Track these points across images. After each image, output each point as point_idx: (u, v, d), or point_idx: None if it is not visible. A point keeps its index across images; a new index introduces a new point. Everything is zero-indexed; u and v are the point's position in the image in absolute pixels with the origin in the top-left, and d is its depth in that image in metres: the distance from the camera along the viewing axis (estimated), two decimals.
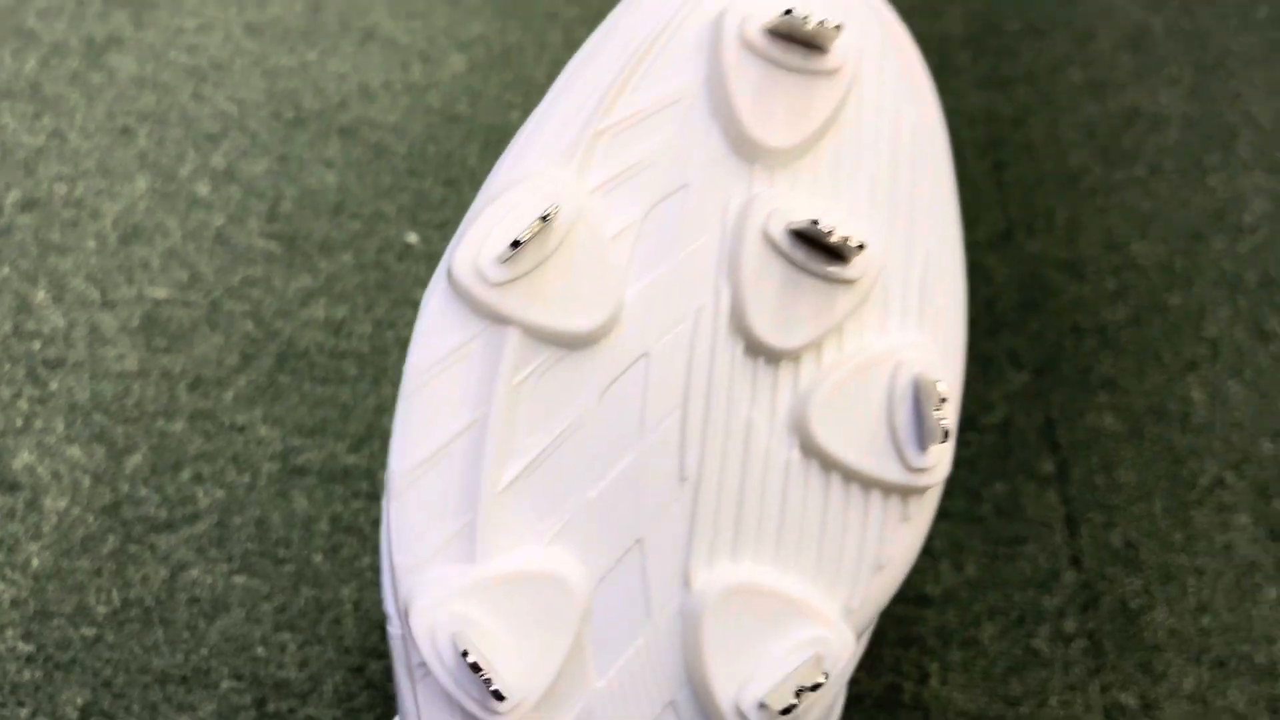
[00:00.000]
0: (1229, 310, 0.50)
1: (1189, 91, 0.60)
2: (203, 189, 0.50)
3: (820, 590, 0.20)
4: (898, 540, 0.21)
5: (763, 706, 0.20)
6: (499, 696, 0.19)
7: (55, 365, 0.44)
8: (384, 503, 0.21)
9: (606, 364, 0.20)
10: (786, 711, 0.19)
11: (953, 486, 0.44)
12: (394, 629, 0.21)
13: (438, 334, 0.21)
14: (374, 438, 0.43)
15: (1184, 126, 0.58)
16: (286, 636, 0.38)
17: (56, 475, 0.41)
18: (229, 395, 0.44)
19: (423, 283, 0.49)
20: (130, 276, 0.47)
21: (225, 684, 0.37)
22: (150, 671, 0.37)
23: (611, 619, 0.20)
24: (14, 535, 0.39)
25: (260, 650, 0.38)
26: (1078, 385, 0.48)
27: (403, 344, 0.46)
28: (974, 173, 0.55)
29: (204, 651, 0.37)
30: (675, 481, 0.20)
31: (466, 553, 0.20)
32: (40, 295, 0.46)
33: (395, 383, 0.45)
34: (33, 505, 0.40)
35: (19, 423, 0.42)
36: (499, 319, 0.20)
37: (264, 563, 0.40)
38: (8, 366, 0.44)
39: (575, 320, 0.20)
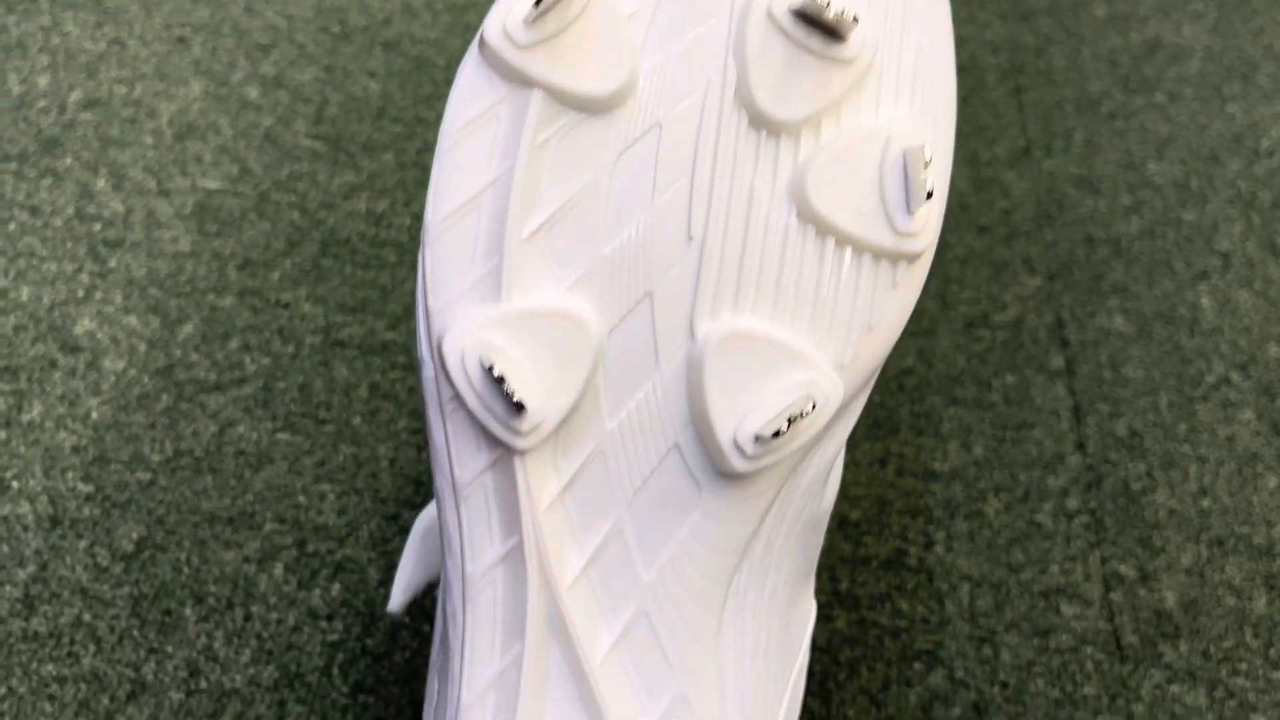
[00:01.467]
0: (1242, 226, 0.52)
1: (1212, 26, 0.62)
2: (253, 93, 0.53)
3: (814, 344, 0.22)
4: (887, 305, 0.23)
5: (758, 439, 0.22)
6: (520, 408, 0.21)
7: (114, 245, 0.47)
8: (420, 254, 0.24)
9: (622, 131, 0.23)
10: (776, 435, 0.21)
11: (963, 376, 0.46)
12: (428, 372, 0.23)
13: (469, 99, 0.23)
14: (411, 317, 0.46)
15: (1205, 58, 0.60)
16: (326, 487, 0.41)
17: (115, 340, 0.44)
18: (275, 275, 0.47)
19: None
20: (184, 169, 0.50)
21: (269, 526, 0.40)
22: (200, 513, 0.40)
23: (622, 365, 0.23)
24: (75, 391, 0.42)
25: (301, 499, 0.40)
26: (1089, 290, 0.49)
27: None
28: (995, 96, 0.57)
29: (249, 497, 0.40)
30: (683, 241, 0.22)
31: (493, 293, 0.22)
32: (100, 184, 0.49)
33: None
34: (92, 365, 0.43)
35: (80, 294, 0.45)
36: (524, 82, 0.23)
37: (306, 422, 0.42)
38: (70, 244, 0.47)
39: (593, 84, 0.22)
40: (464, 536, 0.23)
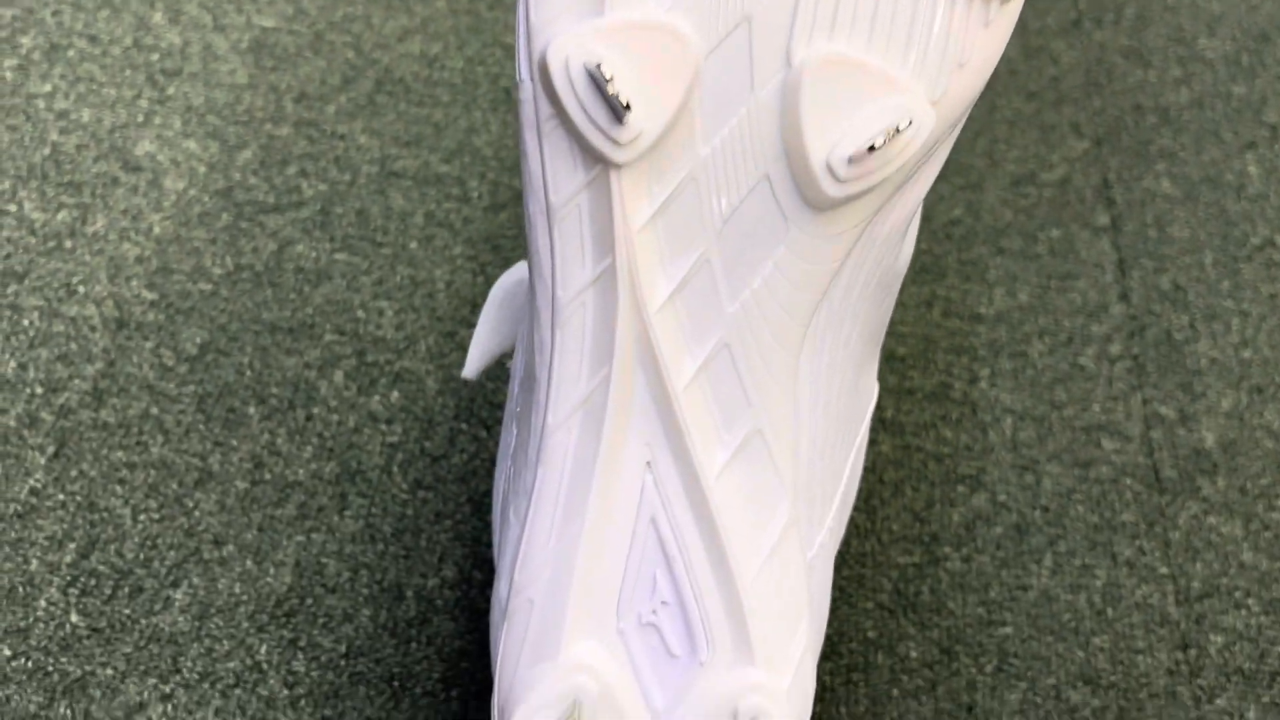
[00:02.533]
0: None
1: None
2: None
3: (908, 74, 0.23)
4: (979, 43, 0.24)
5: (851, 159, 0.23)
6: (625, 108, 0.22)
7: (172, 74, 0.48)
8: None
9: None
10: (871, 150, 0.22)
11: (1010, 229, 0.47)
12: (525, 93, 0.24)
13: None
14: (464, 153, 0.47)
15: None
16: (384, 304, 0.42)
17: (175, 162, 0.45)
18: (331, 109, 0.47)
19: (513, 28, 0.52)
20: (239, 6, 0.50)
21: (328, 337, 0.41)
22: (261, 322, 0.41)
23: (718, 90, 0.24)
24: (137, 206, 0.43)
25: (360, 313, 0.41)
26: (1136, 155, 0.50)
27: (492, 78, 0.50)
28: None
29: (309, 310, 0.41)
30: None
31: (595, 7, 0.23)
32: (157, 17, 0.50)
33: (485, 109, 0.48)
34: (154, 184, 0.44)
35: (140, 118, 0.46)
36: None
37: (363, 244, 0.43)
38: (128, 72, 0.47)
39: None
40: (556, 261, 0.24)
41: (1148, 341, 0.44)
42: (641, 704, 0.25)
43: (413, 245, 0.44)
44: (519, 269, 0.31)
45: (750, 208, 0.24)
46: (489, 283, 0.44)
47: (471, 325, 0.42)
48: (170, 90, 0.47)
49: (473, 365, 0.31)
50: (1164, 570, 0.38)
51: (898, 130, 0.22)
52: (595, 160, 0.23)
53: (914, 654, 0.36)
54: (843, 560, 0.38)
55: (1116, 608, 0.37)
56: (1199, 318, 0.45)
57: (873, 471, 0.40)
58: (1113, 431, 0.42)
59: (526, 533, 0.25)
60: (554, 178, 0.24)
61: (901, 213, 0.25)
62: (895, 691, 0.35)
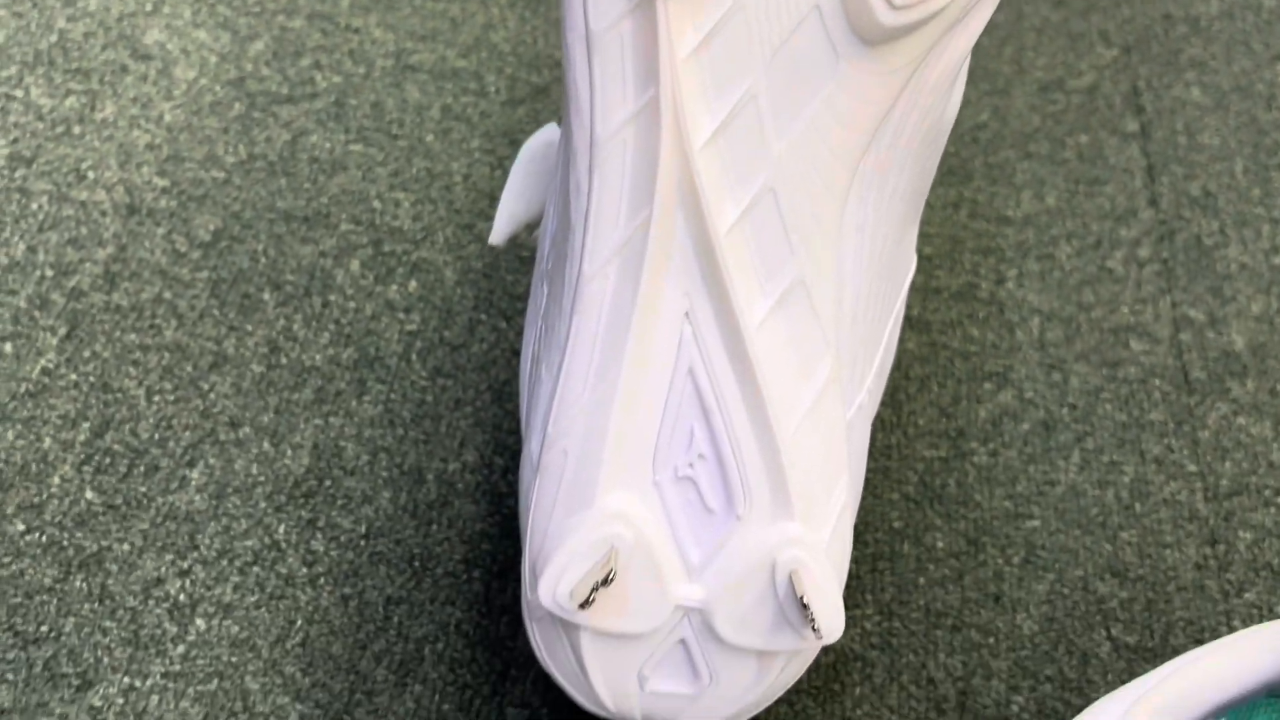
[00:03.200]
0: None
1: None
2: None
3: None
4: None
5: None
6: None
7: None
8: None
9: None
10: None
11: (1037, 134, 0.47)
12: None
13: None
14: (481, 48, 0.46)
15: None
16: (400, 195, 0.41)
17: (185, 51, 0.44)
18: (345, 2, 0.46)
19: None
20: None
21: (344, 226, 0.40)
22: (275, 210, 0.40)
23: None
24: (147, 94, 0.43)
25: (376, 204, 0.41)
26: (1166, 63, 0.49)
27: None
28: None
29: (324, 200, 0.41)
30: None
31: None
32: None
33: (503, 5, 0.48)
34: (164, 73, 0.43)
35: (148, 6, 0.45)
36: None
37: (379, 136, 0.43)
38: None
39: None
40: (595, 93, 0.23)
41: (1177, 246, 0.44)
42: (676, 557, 0.25)
43: (429, 138, 0.43)
44: (547, 131, 0.31)
45: (799, 40, 0.23)
46: (506, 177, 0.43)
47: (490, 217, 0.41)
48: None
49: (500, 231, 0.30)
50: (1193, 468, 0.38)
51: None
52: None
53: (940, 544, 0.36)
54: (868, 454, 0.38)
55: (1144, 503, 0.37)
56: (1229, 224, 0.45)
57: (898, 368, 0.40)
58: (1141, 333, 0.41)
59: (561, 384, 0.25)
60: (597, 3, 0.23)
61: (953, 56, 0.24)
62: (922, 580, 0.35)
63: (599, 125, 0.24)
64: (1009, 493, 0.37)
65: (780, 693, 0.27)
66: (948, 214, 0.44)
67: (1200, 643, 0.36)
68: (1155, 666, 0.36)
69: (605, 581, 0.24)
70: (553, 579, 0.24)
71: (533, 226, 0.31)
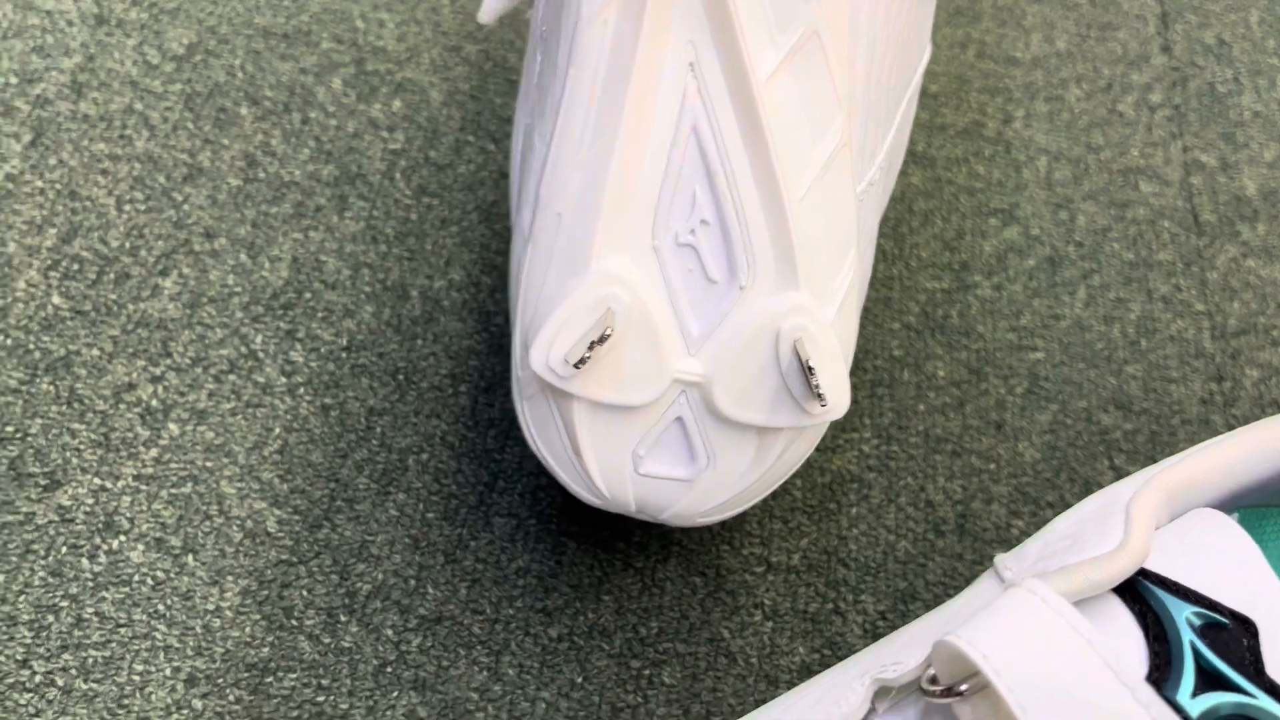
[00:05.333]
0: None
1: None
2: None
3: None
4: None
5: None
6: None
7: None
8: None
9: None
10: None
11: None
12: None
13: None
14: None
15: None
16: (384, 15, 0.39)
17: None
18: None
19: None
20: None
21: (325, 44, 0.38)
22: (252, 26, 0.38)
23: None
24: None
25: (359, 23, 0.39)
26: None
27: None
28: None
29: (304, 18, 0.39)
30: None
31: None
32: None
33: None
34: None
35: None
36: None
37: None
38: None
39: None
40: None
41: (1189, 92, 0.43)
42: (675, 328, 0.24)
43: None
44: None
45: None
46: None
47: (478, 40, 0.40)
48: None
49: (490, 7, 0.29)
50: (1200, 307, 0.37)
51: None
52: None
53: (941, 373, 0.35)
54: (869, 282, 0.37)
55: (1150, 339, 0.36)
56: (1243, 72, 0.43)
57: (901, 200, 0.38)
58: (1151, 175, 0.40)
59: (554, 145, 0.23)
60: None
61: None
62: (921, 406, 0.34)
63: None
64: (1013, 325, 0.36)
65: (779, 480, 0.26)
66: (954, 53, 0.43)
67: None
68: None
69: (601, 340, 0.22)
70: (546, 342, 0.23)
71: (524, 6, 0.29)
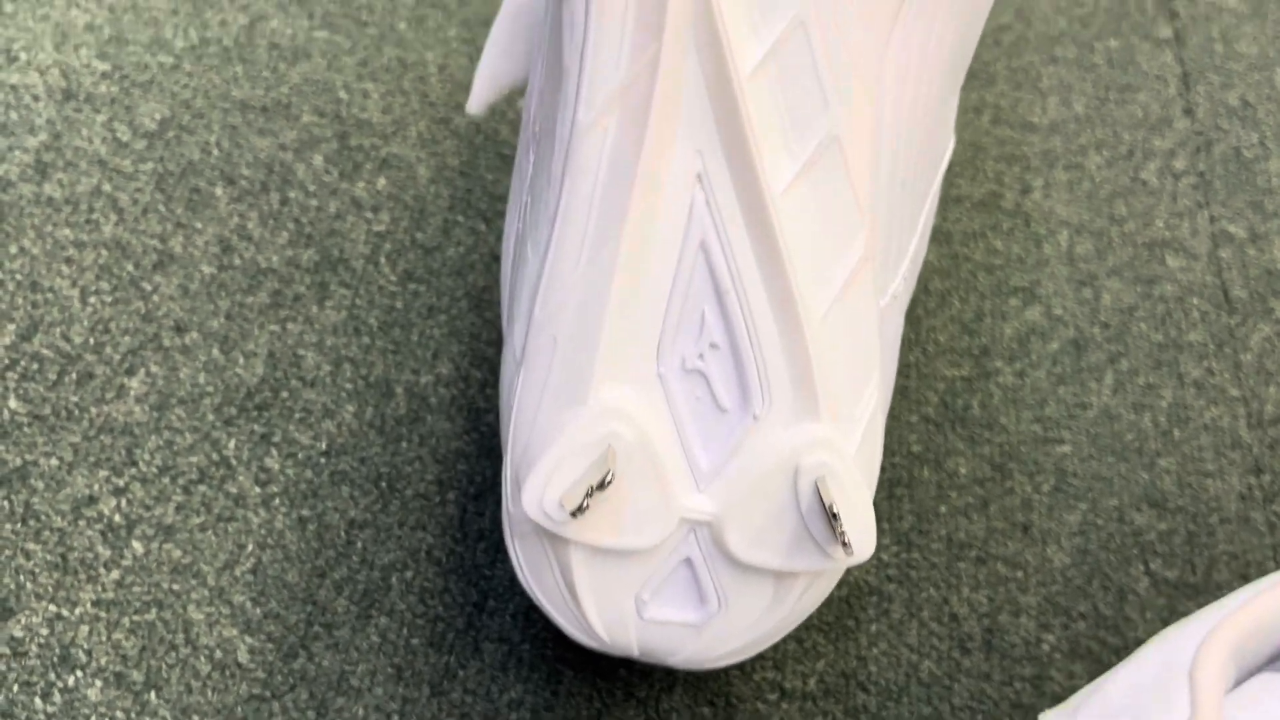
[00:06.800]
0: None
1: None
2: None
3: None
4: None
5: None
6: None
7: None
8: None
9: None
10: None
11: (1064, 37, 0.43)
12: None
13: None
14: None
15: None
16: (369, 86, 0.37)
17: None
18: None
19: None
20: None
21: (306, 118, 0.36)
22: (229, 99, 0.36)
23: None
24: None
25: (342, 94, 0.37)
26: None
27: None
28: None
29: (284, 89, 0.37)
30: None
31: None
32: None
33: None
34: None
35: None
36: None
37: (346, 23, 0.39)
38: None
39: None
40: None
41: (1214, 158, 0.41)
42: (683, 461, 0.21)
43: (401, 25, 0.39)
44: None
45: None
46: None
47: (466, 112, 0.38)
48: None
49: (479, 96, 0.26)
50: (1234, 392, 0.35)
51: None
52: None
53: (963, 470, 0.33)
54: None
55: (1184, 429, 0.34)
56: (1269, 135, 0.41)
57: (917, 280, 0.36)
58: (1178, 248, 0.38)
59: (549, 261, 0.21)
60: None
61: None
62: (943, 508, 0.32)
63: None
64: (1037, 415, 0.34)
65: (796, 623, 0.23)
66: (969, 119, 0.41)
67: (1246, 579, 0.33)
68: (1197, 603, 0.33)
69: (601, 485, 0.20)
70: (539, 484, 0.21)
71: (518, 93, 0.27)
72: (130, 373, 0.31)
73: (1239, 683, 0.20)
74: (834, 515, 0.20)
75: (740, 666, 0.29)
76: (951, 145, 0.27)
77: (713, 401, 0.21)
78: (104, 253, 0.33)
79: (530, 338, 0.21)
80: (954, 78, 0.25)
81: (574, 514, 0.20)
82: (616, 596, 0.22)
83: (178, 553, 0.28)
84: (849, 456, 0.21)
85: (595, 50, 0.20)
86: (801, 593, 0.22)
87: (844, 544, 0.21)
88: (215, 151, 0.35)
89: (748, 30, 0.20)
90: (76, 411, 0.30)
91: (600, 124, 0.20)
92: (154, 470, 0.29)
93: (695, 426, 0.21)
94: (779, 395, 0.21)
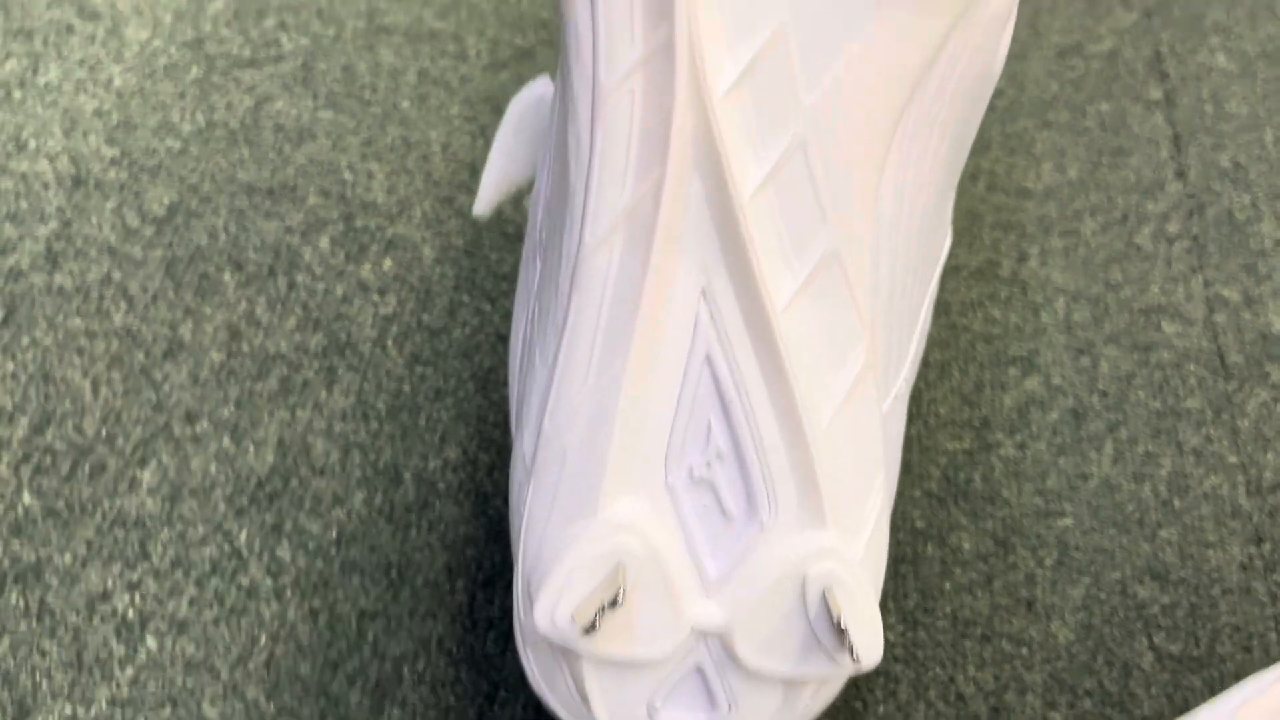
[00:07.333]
0: None
1: None
2: None
3: None
4: None
5: None
6: None
7: None
8: None
9: None
10: None
11: (1056, 101, 0.43)
12: None
13: None
14: (460, 7, 0.42)
15: None
16: (374, 166, 0.38)
17: (137, 10, 0.40)
18: None
19: None
20: None
21: (312, 200, 0.37)
22: (236, 182, 0.37)
23: None
24: (95, 57, 0.39)
25: (347, 175, 0.37)
26: (1188, 28, 0.46)
27: None
28: None
29: (290, 171, 0.37)
30: None
31: None
32: None
33: None
34: (113, 33, 0.40)
35: None
36: None
37: (350, 102, 0.39)
38: None
39: None
40: (598, 32, 0.20)
41: (1208, 221, 0.41)
42: (692, 570, 0.22)
43: (405, 104, 0.40)
44: (539, 84, 0.27)
45: None
46: (489, 146, 0.39)
47: (471, 190, 0.38)
48: None
49: (485, 199, 0.27)
50: (1233, 459, 0.35)
51: None
52: None
53: (967, 545, 0.33)
54: None
55: (1184, 498, 0.34)
56: (1261, 197, 0.42)
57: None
58: (1173, 314, 0.39)
59: (558, 374, 0.21)
60: None
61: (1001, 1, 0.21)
62: (947, 585, 0.32)
63: (603, 71, 0.20)
64: (1039, 488, 0.34)
65: None
66: (964, 186, 0.41)
67: (1249, 651, 0.33)
68: (1201, 678, 0.33)
69: (612, 603, 0.20)
70: (551, 600, 0.21)
71: (522, 194, 0.27)
72: (142, 464, 0.31)
73: None
74: (841, 629, 0.21)
75: None
76: (948, 241, 0.27)
77: (720, 510, 0.22)
78: (115, 342, 0.33)
79: (540, 449, 0.22)
80: (951, 178, 0.25)
81: (585, 631, 0.20)
82: (629, 703, 0.22)
83: (191, 648, 0.28)
84: (855, 563, 0.21)
85: (600, 174, 0.20)
86: (810, 697, 0.22)
87: (851, 654, 0.21)
88: (223, 236, 0.36)
89: (749, 153, 0.21)
90: (90, 505, 0.30)
91: (606, 244, 0.21)
92: (167, 564, 0.30)
93: (703, 535, 0.22)
94: (785, 503, 0.21)
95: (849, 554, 0.21)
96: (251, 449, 0.32)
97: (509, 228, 0.38)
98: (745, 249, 0.21)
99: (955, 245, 0.40)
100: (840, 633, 0.21)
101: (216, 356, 0.33)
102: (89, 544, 0.30)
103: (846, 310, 0.21)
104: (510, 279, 0.37)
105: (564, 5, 0.21)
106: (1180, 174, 0.43)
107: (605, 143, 0.20)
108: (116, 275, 0.34)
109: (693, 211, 0.21)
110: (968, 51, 0.22)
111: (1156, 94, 0.45)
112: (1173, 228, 0.41)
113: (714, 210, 0.21)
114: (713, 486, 0.22)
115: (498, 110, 0.40)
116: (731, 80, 0.20)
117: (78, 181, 0.36)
